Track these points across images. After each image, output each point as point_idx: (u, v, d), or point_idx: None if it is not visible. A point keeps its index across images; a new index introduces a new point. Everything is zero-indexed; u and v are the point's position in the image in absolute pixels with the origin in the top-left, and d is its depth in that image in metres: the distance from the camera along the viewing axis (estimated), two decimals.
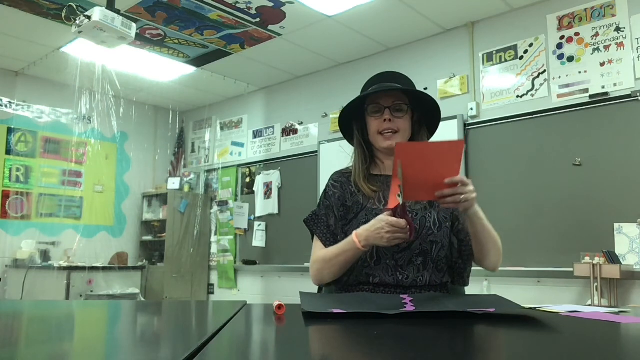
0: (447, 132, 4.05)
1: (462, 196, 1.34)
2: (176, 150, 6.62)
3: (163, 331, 1.11)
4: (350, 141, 1.72)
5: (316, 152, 5.16)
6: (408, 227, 1.37)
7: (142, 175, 6.41)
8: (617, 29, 3.57)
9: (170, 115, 6.54)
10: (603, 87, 3.59)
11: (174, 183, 6.13)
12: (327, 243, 1.58)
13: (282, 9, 4.04)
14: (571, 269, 3.41)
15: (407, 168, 1.29)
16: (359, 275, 1.53)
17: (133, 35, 3.23)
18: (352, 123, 1.68)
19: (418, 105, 1.63)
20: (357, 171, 1.62)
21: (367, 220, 1.52)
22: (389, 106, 1.57)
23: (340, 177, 1.66)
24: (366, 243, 1.43)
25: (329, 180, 1.68)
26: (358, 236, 1.45)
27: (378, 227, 1.39)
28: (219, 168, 6.18)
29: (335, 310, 1.09)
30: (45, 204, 5.55)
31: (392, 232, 1.36)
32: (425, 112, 1.65)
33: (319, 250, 1.59)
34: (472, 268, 1.63)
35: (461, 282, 1.61)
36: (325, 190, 1.66)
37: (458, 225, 1.60)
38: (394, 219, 1.36)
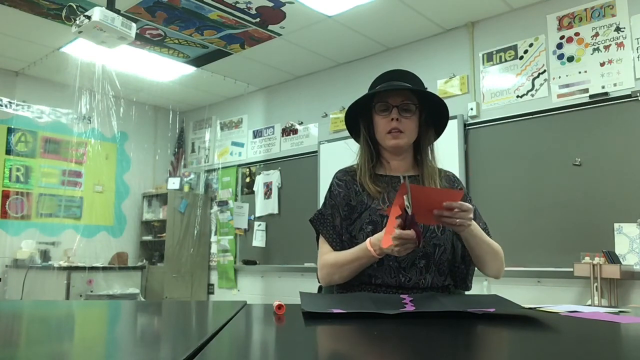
0: (447, 132, 4.03)
1: (458, 220, 1.35)
2: (176, 150, 6.62)
3: (163, 331, 1.10)
4: (356, 139, 1.70)
5: (316, 152, 5.15)
6: (416, 236, 1.37)
7: (142, 175, 6.41)
8: (617, 29, 3.57)
9: (170, 115, 6.54)
10: (603, 87, 3.59)
11: (174, 183, 6.13)
12: (333, 244, 1.57)
13: (282, 9, 4.04)
14: (571, 269, 3.41)
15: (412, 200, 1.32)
16: (362, 276, 1.53)
17: (133, 35, 3.23)
18: (358, 120, 1.66)
19: (426, 106, 1.61)
20: (363, 170, 1.61)
21: (370, 220, 1.53)
22: (397, 105, 1.55)
23: (345, 176, 1.64)
24: (381, 252, 1.42)
25: (333, 178, 1.66)
26: (373, 245, 1.44)
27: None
28: (219, 168, 6.18)
29: (335, 310, 1.09)
30: (45, 204, 5.54)
31: (401, 244, 1.34)
32: (432, 113, 1.63)
33: (327, 254, 1.57)
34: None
35: (464, 286, 1.60)
36: (330, 188, 1.65)
37: None
38: (403, 231, 1.34)
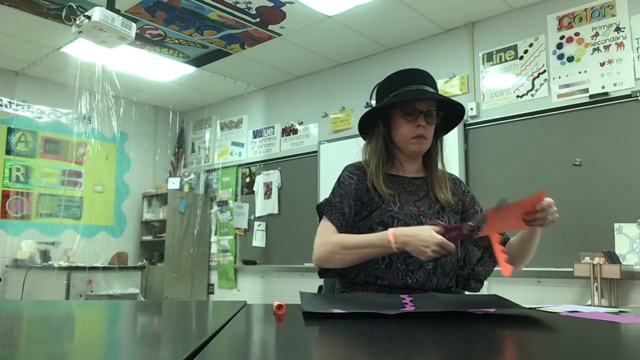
0: None
1: (550, 217, 1.38)
2: (176, 150, 6.62)
3: (163, 331, 1.10)
4: (365, 137, 1.67)
5: (316, 152, 5.15)
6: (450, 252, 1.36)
7: (142, 175, 6.41)
8: (617, 29, 3.57)
9: (170, 115, 6.54)
10: (603, 87, 3.59)
11: (174, 183, 6.13)
12: (340, 229, 1.51)
13: (282, 9, 4.03)
14: (571, 269, 3.41)
15: (491, 221, 1.35)
16: (368, 276, 1.51)
17: (133, 35, 3.23)
18: (372, 119, 1.63)
19: (442, 110, 1.61)
20: (376, 171, 1.57)
21: (381, 221, 1.50)
22: (424, 111, 1.54)
23: (357, 171, 1.60)
24: (402, 247, 1.37)
25: (344, 171, 1.62)
26: (395, 237, 1.38)
27: (426, 240, 1.33)
28: (219, 168, 6.18)
29: (335, 310, 1.09)
30: (45, 204, 5.54)
31: (437, 252, 1.32)
32: (444, 117, 1.63)
33: (332, 234, 1.50)
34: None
35: (479, 287, 1.61)
36: (339, 179, 1.60)
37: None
38: (448, 242, 1.32)
